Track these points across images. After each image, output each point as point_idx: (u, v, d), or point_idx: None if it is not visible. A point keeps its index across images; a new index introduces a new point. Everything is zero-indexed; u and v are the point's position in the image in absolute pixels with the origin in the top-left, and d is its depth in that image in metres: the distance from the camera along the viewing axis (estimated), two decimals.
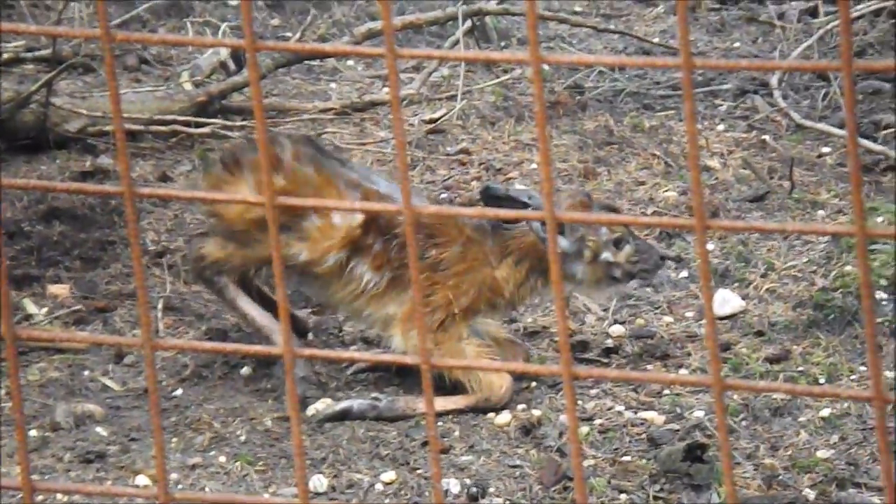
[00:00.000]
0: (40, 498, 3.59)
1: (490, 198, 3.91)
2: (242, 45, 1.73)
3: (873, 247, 4.48)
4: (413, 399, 3.90)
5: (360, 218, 3.85)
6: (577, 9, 6.22)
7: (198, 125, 4.98)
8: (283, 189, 3.81)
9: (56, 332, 4.02)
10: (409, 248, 1.71)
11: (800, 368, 4.08)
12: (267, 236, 3.73)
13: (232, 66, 5.34)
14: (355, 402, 3.89)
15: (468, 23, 5.42)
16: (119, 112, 1.69)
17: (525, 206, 3.84)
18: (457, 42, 5.37)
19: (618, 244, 3.97)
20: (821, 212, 4.75)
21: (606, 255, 3.95)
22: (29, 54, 5.44)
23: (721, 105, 5.40)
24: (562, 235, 3.91)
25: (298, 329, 4.15)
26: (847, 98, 1.56)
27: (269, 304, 4.04)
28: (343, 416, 3.88)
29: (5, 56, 5.43)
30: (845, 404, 3.94)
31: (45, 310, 4.27)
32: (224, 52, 5.28)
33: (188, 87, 5.18)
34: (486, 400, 3.90)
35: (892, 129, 5.12)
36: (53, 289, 4.33)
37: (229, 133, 4.97)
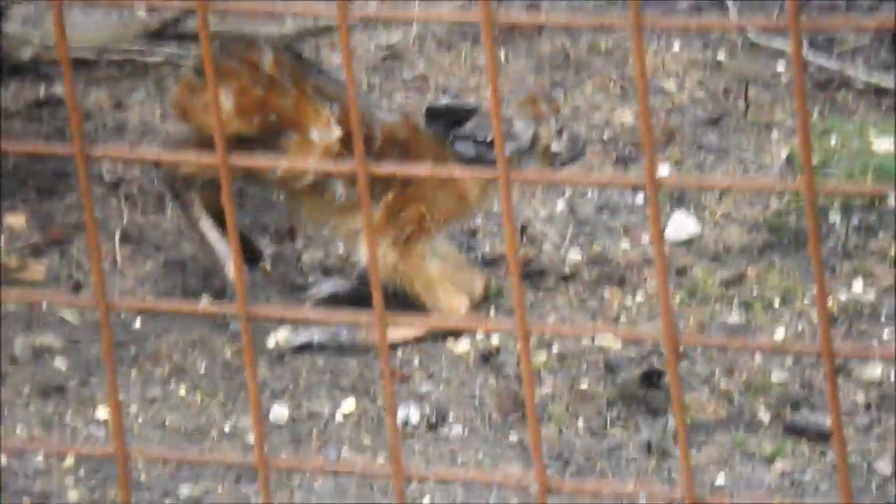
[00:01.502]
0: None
1: (432, 117, 4.01)
2: (194, 8, 1.71)
3: (827, 169, 4.52)
4: (373, 330, 3.93)
5: (337, 133, 3.86)
6: None
7: (152, 53, 4.93)
8: (261, 100, 3.81)
9: (13, 293, 3.99)
10: (363, 202, 1.71)
11: (754, 292, 4.13)
12: (241, 154, 3.72)
13: None
14: (316, 335, 3.92)
15: None
16: (72, 90, 1.68)
17: (468, 112, 3.96)
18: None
19: (560, 133, 4.15)
20: (775, 133, 4.77)
21: (554, 146, 4.11)
22: None
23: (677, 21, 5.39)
24: (511, 139, 4.03)
25: (254, 255, 4.15)
26: (794, 54, 1.57)
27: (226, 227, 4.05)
28: (305, 348, 3.91)
29: None
30: (800, 327, 4.00)
31: (2, 240, 4.26)
32: None
33: (142, 13, 5.12)
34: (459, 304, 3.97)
35: (849, 47, 5.13)
36: (9, 219, 4.32)
37: (184, 62, 4.93)
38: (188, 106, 3.94)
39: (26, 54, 4.78)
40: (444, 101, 4.27)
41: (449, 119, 3.99)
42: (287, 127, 3.83)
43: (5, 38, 4.74)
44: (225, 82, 3.88)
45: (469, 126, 3.97)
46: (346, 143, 3.87)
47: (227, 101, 3.85)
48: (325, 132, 3.84)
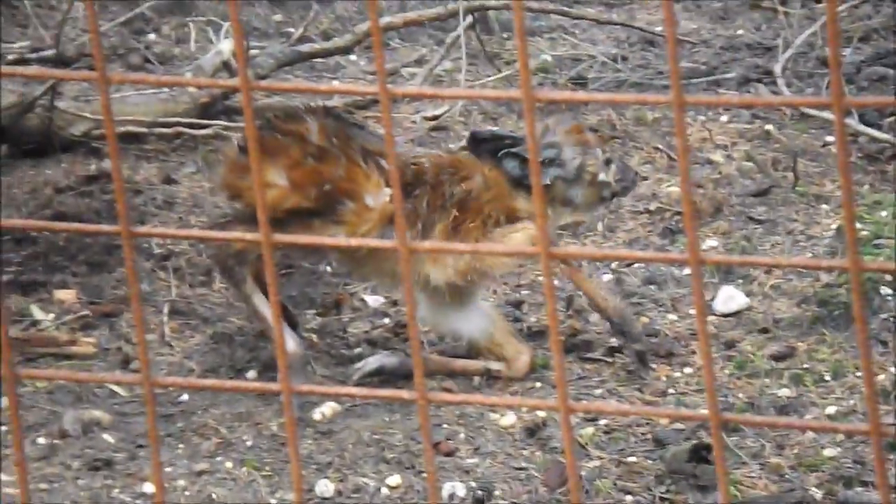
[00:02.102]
0: None
1: (476, 142, 4.06)
2: (237, 87, 1.73)
3: (878, 241, 4.48)
4: (446, 359, 4.02)
5: (389, 192, 3.88)
6: None
7: (201, 126, 4.99)
8: (314, 171, 3.83)
9: (62, 371, 4.01)
10: (404, 277, 1.71)
11: (805, 366, 4.08)
12: (299, 226, 3.74)
13: (234, 65, 5.35)
14: (385, 359, 3.97)
15: (469, 18, 5.42)
16: (119, 172, 1.70)
17: (511, 141, 3.98)
18: (458, 37, 5.37)
19: (608, 164, 4.12)
20: (825, 206, 4.74)
21: (602, 176, 4.07)
22: (34, 55, 5.45)
23: (725, 94, 5.39)
24: (557, 165, 4.03)
25: (292, 324, 4.16)
26: (838, 132, 1.56)
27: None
28: (377, 373, 3.96)
29: (10, 57, 5.43)
30: (851, 401, 3.94)
31: (51, 315, 4.29)
32: (227, 53, 5.28)
33: (191, 88, 5.18)
34: (507, 367, 3.98)
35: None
36: (60, 294, 4.35)
37: (232, 134, 4.98)
38: (238, 185, 3.96)
39: (78, 130, 4.85)
40: (488, 130, 4.32)
41: (494, 146, 4.03)
42: (342, 195, 3.86)
43: (58, 114, 4.81)
44: (276, 158, 3.89)
45: (518, 147, 4.01)
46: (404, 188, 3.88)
47: (280, 178, 3.86)
48: (379, 195, 3.87)
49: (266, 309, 3.98)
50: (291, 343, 3.95)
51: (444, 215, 3.93)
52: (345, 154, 3.91)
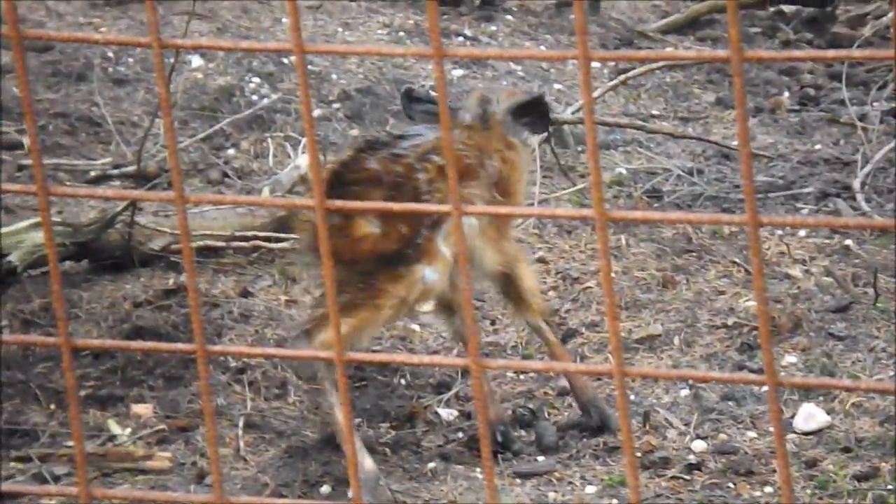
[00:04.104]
0: None
1: (412, 99, 4.20)
2: (311, 205, 1.75)
3: None
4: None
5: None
6: (655, 112, 6.23)
7: (278, 240, 5.03)
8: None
9: (136, 491, 4.02)
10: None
11: (889, 486, 3.99)
12: (390, 282, 3.81)
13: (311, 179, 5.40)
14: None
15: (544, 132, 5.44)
16: (195, 290, 1.71)
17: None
18: (533, 150, 5.39)
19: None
20: None
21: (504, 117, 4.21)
22: (115, 171, 5.54)
23: (803, 209, 5.35)
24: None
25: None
26: None
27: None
28: None
29: (92, 174, 5.53)
30: None
31: (128, 430, 4.31)
32: (304, 167, 5.35)
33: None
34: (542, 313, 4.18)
35: None
36: (137, 408, 4.37)
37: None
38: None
39: (157, 245, 4.91)
40: (426, 91, 4.43)
41: (427, 106, 4.19)
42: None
43: (138, 230, 4.88)
44: (364, 214, 3.94)
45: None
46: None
47: (373, 227, 3.94)
48: (436, 269, 3.94)
49: (347, 422, 3.96)
50: (367, 460, 3.92)
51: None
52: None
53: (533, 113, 4.22)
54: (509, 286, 4.13)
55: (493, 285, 4.19)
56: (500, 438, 4.09)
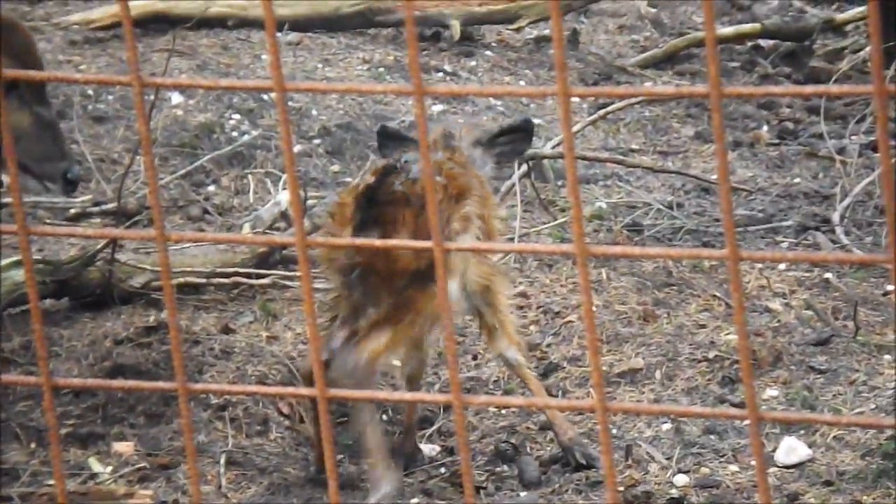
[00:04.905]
0: None
1: (387, 136, 4.30)
2: (292, 242, 1.75)
3: None
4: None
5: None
6: (635, 146, 6.25)
7: (259, 276, 5.02)
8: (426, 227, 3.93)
9: None
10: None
11: None
12: (423, 299, 3.85)
13: (292, 215, 5.40)
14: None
15: (524, 166, 5.46)
16: (176, 327, 1.71)
17: (413, 144, 4.23)
18: (513, 186, 5.41)
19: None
20: (887, 356, 4.67)
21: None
22: (95, 208, 5.53)
23: (783, 242, 5.37)
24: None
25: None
26: None
27: None
28: None
29: (72, 211, 5.52)
30: None
31: (110, 468, 4.29)
32: (284, 203, 5.35)
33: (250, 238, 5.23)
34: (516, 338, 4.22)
35: None
36: (118, 446, 4.35)
37: (290, 283, 5.01)
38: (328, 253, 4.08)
39: (138, 282, 4.90)
40: (397, 127, 4.49)
41: (396, 143, 4.25)
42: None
43: (118, 267, 4.87)
44: (399, 231, 3.96)
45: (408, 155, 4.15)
46: None
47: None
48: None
49: (379, 441, 3.97)
50: (386, 485, 3.93)
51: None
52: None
53: (516, 138, 4.28)
54: (487, 306, 4.16)
55: (473, 309, 4.21)
56: (581, 460, 4.13)
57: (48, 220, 5.46)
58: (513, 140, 4.29)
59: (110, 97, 6.13)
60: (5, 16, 4.46)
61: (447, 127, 4.38)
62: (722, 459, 4.27)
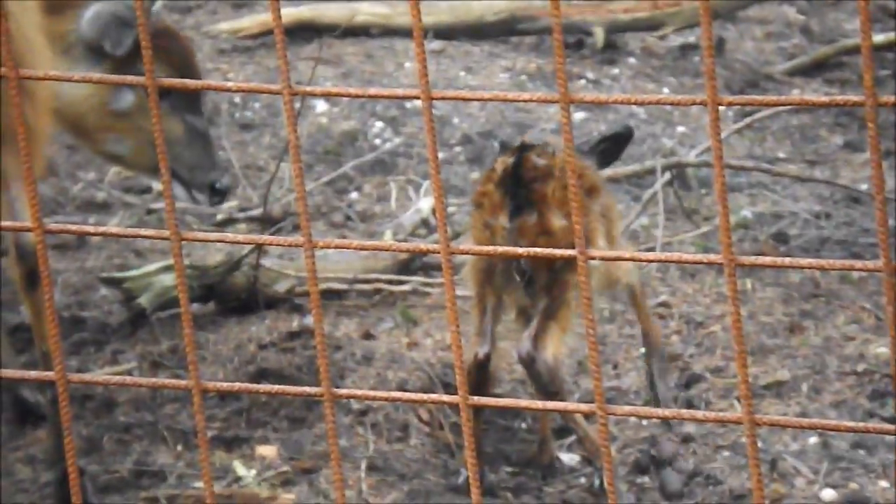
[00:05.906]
0: None
1: (503, 150, 4.23)
2: (437, 250, 1.75)
3: None
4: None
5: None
6: (781, 154, 6.15)
7: (400, 283, 5.06)
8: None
9: None
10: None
11: None
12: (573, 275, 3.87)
13: (433, 223, 5.43)
14: None
15: (667, 175, 5.41)
16: (322, 333, 1.72)
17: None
18: (655, 193, 5.36)
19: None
20: None
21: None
22: (241, 214, 5.62)
23: None
24: None
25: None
26: None
27: None
28: None
29: (219, 217, 5.62)
30: None
31: (253, 471, 4.35)
32: (426, 210, 5.37)
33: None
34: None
35: None
36: (262, 450, 4.41)
37: (430, 290, 5.03)
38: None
39: (282, 287, 4.97)
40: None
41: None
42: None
43: (263, 272, 4.94)
44: (552, 207, 4.01)
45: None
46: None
47: (563, 220, 4.04)
48: None
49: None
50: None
51: None
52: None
53: (617, 145, 4.26)
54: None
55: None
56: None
57: (195, 227, 5.56)
58: (613, 147, 4.27)
59: (257, 105, 6.22)
60: (166, 25, 4.55)
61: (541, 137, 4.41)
62: (871, 475, 4.17)
